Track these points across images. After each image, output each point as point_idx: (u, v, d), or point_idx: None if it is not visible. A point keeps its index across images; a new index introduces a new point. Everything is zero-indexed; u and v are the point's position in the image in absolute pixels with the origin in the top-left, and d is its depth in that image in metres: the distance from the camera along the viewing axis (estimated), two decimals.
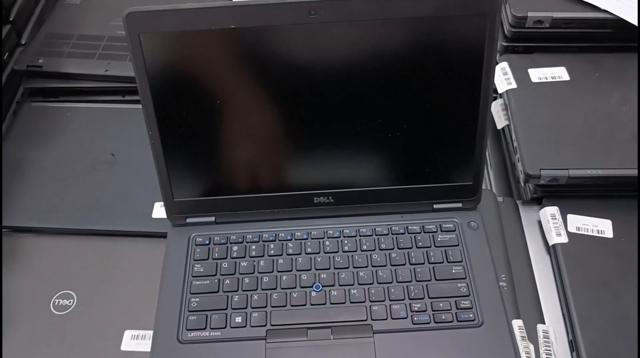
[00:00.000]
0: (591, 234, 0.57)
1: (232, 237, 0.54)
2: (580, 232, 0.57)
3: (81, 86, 0.71)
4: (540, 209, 0.60)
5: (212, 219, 0.55)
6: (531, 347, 0.50)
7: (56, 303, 0.54)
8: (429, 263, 0.52)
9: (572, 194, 0.60)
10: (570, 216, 0.58)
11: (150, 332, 0.51)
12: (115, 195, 0.61)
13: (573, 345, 0.51)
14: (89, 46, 0.72)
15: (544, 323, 0.53)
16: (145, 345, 0.51)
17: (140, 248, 0.58)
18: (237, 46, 0.47)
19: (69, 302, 0.54)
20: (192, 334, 0.49)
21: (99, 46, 0.73)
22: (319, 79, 0.49)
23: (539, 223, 0.60)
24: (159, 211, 0.59)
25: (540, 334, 0.52)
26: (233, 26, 0.46)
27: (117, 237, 0.59)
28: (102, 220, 0.59)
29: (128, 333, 0.52)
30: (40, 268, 0.56)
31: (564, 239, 0.57)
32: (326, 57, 0.48)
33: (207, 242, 0.54)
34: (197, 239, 0.54)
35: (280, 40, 0.47)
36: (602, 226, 0.58)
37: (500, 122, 0.66)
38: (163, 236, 0.57)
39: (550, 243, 0.57)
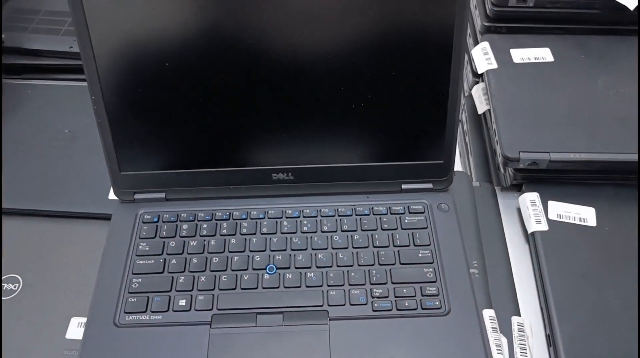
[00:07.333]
0: (573, 222, 0.53)
1: (182, 215, 0.51)
2: (561, 220, 0.54)
3: (43, 63, 0.69)
4: (520, 195, 0.56)
5: (163, 195, 0.52)
6: (504, 339, 0.46)
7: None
8: (394, 246, 0.48)
9: (554, 181, 0.56)
10: (551, 203, 0.55)
11: None
12: (71, 175, 0.58)
13: (550, 340, 0.47)
14: (55, 21, 0.71)
15: (520, 316, 0.48)
16: None
17: (94, 231, 0.55)
18: (191, 2, 0.44)
19: (14, 286, 0.51)
20: (130, 317, 0.45)
21: (66, 21, 0.71)
22: (280, 45, 0.45)
23: (518, 210, 0.57)
24: None
25: (515, 327, 0.47)
26: None
27: (70, 219, 0.56)
28: (54, 201, 0.56)
29: (74, 320, 0.49)
30: None
31: (543, 227, 0.53)
32: (288, 22, 0.44)
33: (155, 219, 0.50)
34: (145, 216, 0.51)
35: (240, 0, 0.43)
36: (584, 214, 0.54)
37: (482, 107, 0.63)
38: None
39: (529, 230, 0.54)
